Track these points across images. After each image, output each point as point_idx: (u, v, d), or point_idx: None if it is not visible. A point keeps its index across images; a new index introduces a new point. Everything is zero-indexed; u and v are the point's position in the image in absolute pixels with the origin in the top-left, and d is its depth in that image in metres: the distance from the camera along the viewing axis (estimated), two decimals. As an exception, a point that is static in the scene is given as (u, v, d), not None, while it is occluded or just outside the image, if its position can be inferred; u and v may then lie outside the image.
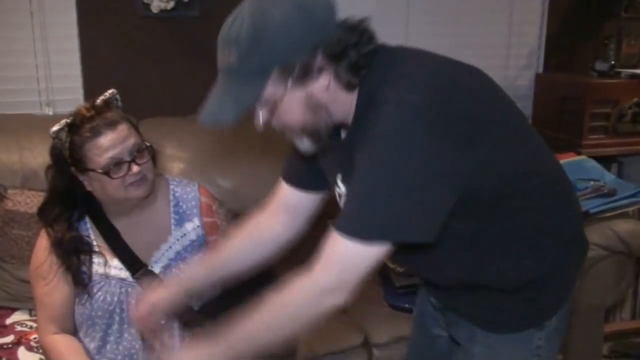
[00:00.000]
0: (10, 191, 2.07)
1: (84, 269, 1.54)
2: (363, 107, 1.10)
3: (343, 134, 1.19)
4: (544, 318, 1.26)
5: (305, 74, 1.06)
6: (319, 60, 1.06)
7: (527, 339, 1.26)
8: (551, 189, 1.21)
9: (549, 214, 1.20)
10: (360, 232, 1.04)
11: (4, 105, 2.42)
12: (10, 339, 1.84)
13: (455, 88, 1.08)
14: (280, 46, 1.03)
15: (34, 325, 1.89)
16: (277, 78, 1.06)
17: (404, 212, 1.02)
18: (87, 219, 1.59)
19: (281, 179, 1.41)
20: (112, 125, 1.46)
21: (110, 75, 2.45)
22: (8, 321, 1.95)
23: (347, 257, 1.07)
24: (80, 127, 1.46)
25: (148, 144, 1.53)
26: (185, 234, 1.62)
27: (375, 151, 1.03)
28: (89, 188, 1.52)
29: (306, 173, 1.36)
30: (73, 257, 1.54)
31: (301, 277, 1.12)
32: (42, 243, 1.57)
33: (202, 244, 1.65)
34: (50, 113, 2.47)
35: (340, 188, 1.23)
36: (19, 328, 1.91)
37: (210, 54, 2.67)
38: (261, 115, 1.11)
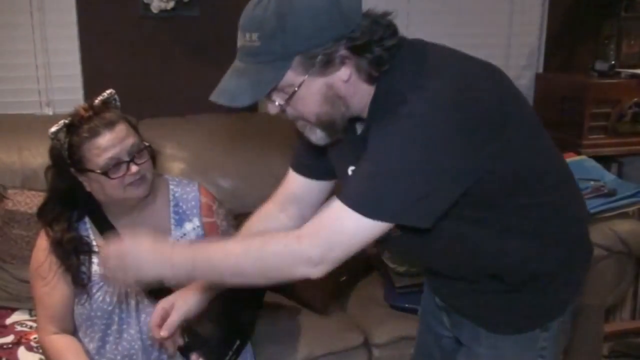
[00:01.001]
0: (10, 191, 2.07)
1: (84, 269, 1.54)
2: (381, 100, 1.09)
3: (358, 128, 1.19)
4: (549, 319, 1.26)
5: (327, 64, 1.04)
6: (342, 51, 1.04)
7: (532, 340, 1.26)
8: (559, 190, 1.22)
9: (555, 213, 1.20)
10: (367, 207, 1.03)
11: (4, 105, 2.42)
12: (10, 339, 1.84)
13: (476, 88, 1.08)
14: (305, 33, 1.02)
15: (34, 325, 1.89)
16: (298, 65, 1.04)
17: (412, 197, 1.02)
18: (87, 219, 1.59)
19: (290, 168, 1.40)
20: (110, 125, 1.46)
21: (110, 75, 2.45)
22: (8, 321, 1.95)
23: (342, 230, 1.06)
24: (78, 127, 1.46)
25: (147, 144, 1.53)
26: (185, 234, 1.62)
27: (396, 131, 1.02)
28: (88, 188, 1.52)
29: (314, 161, 1.35)
30: (73, 257, 1.54)
31: (288, 237, 1.10)
32: (42, 243, 1.57)
33: (202, 244, 1.64)
34: (50, 113, 2.47)
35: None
36: (19, 328, 1.91)
37: (211, 54, 2.68)
38: (277, 102, 1.10)
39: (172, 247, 1.20)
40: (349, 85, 1.08)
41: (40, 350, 1.72)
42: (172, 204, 1.64)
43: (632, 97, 2.63)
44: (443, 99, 1.02)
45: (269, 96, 1.09)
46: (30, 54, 2.42)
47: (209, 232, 1.65)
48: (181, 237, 1.62)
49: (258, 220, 1.43)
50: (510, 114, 1.11)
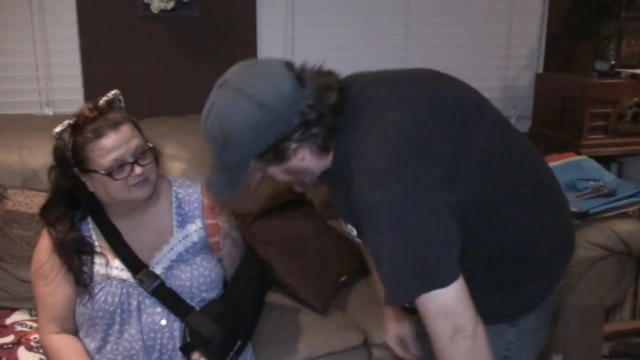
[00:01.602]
0: (10, 191, 2.07)
1: (86, 269, 1.54)
2: (341, 161, 1.19)
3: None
4: (518, 315, 1.29)
5: (280, 158, 1.18)
6: (290, 144, 1.16)
7: (499, 333, 1.27)
8: (527, 215, 1.23)
9: (525, 236, 1.24)
10: (428, 282, 1.09)
11: (4, 105, 2.42)
12: (10, 339, 1.84)
13: (423, 139, 1.13)
14: (248, 143, 1.14)
15: (34, 325, 1.89)
16: (255, 165, 1.19)
17: (433, 256, 1.09)
18: (89, 220, 1.59)
19: None
20: (115, 126, 1.46)
21: (110, 75, 2.46)
22: (8, 321, 1.95)
23: (437, 309, 1.11)
24: (83, 128, 1.46)
25: (151, 145, 1.53)
26: (187, 236, 1.62)
27: (372, 225, 1.11)
28: (91, 189, 1.51)
29: None
30: (75, 257, 1.53)
31: (438, 345, 1.15)
32: (44, 243, 1.57)
33: (204, 245, 1.64)
34: (50, 113, 2.47)
35: (347, 226, 1.30)
36: (19, 328, 1.91)
37: (210, 54, 2.68)
38: (255, 181, 1.26)
39: None
40: (307, 162, 1.20)
41: (41, 350, 1.72)
42: (174, 205, 1.64)
43: (632, 97, 2.63)
44: (394, 170, 1.09)
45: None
46: (30, 54, 2.43)
47: (211, 233, 1.65)
48: (183, 238, 1.62)
49: None
50: (465, 154, 1.15)
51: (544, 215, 1.26)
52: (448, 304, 1.10)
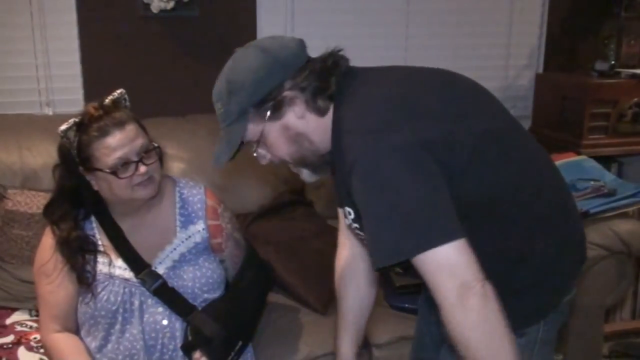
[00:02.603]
0: (10, 191, 2.07)
1: (89, 268, 1.54)
2: (337, 131, 1.19)
3: None
4: (525, 325, 1.24)
5: (277, 108, 1.19)
6: (288, 92, 1.19)
7: None
8: (538, 203, 1.20)
9: (533, 231, 1.20)
10: (420, 239, 1.04)
11: (4, 105, 2.42)
12: (10, 339, 1.84)
13: (423, 104, 1.14)
14: (249, 87, 1.18)
15: (34, 325, 1.89)
16: (254, 117, 1.20)
17: (434, 212, 1.05)
18: (93, 219, 1.59)
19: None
20: (120, 125, 1.46)
21: (110, 75, 2.46)
22: (8, 321, 1.94)
23: (439, 268, 1.04)
24: (88, 126, 1.46)
25: (156, 145, 1.53)
26: (190, 236, 1.62)
27: (363, 180, 1.08)
28: (95, 187, 1.51)
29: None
30: (78, 256, 1.53)
31: (446, 311, 1.07)
32: (47, 241, 1.57)
33: (207, 246, 1.64)
34: (50, 113, 2.47)
35: (345, 209, 1.28)
36: (19, 328, 1.91)
37: (210, 54, 2.68)
38: (258, 152, 1.26)
39: None
40: (305, 122, 1.21)
41: (41, 350, 1.73)
42: (178, 205, 1.64)
43: (632, 97, 2.63)
44: (388, 132, 1.08)
45: (253, 150, 1.26)
46: (30, 54, 2.43)
47: (214, 234, 1.65)
48: (186, 238, 1.62)
49: (341, 277, 1.54)
50: (456, 134, 1.13)
51: (551, 213, 1.23)
52: (450, 260, 1.03)
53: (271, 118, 1.20)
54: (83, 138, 1.46)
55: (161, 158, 1.56)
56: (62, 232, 1.54)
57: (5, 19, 2.39)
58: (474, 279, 1.03)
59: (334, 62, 1.22)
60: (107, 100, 1.50)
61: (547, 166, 1.28)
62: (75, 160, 1.48)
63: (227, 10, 2.57)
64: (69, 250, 1.53)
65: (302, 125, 1.21)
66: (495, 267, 1.16)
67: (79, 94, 2.48)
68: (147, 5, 2.45)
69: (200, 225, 1.63)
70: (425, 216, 1.04)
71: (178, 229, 1.62)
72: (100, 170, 1.46)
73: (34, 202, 2.02)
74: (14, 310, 2.00)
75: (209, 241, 1.64)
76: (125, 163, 1.45)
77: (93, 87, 2.45)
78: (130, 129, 1.47)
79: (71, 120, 1.47)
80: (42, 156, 2.11)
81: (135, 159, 1.46)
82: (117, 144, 1.44)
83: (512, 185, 1.18)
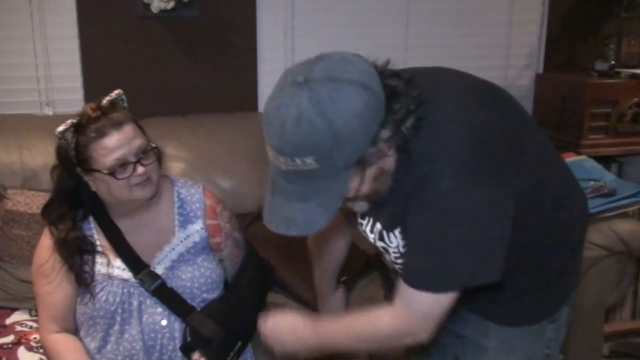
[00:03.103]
0: (10, 191, 2.08)
1: (87, 268, 1.54)
2: (402, 161, 1.08)
3: None
4: (556, 309, 1.28)
5: (382, 155, 1.04)
6: (386, 132, 1.02)
7: (541, 331, 1.28)
8: (562, 194, 1.24)
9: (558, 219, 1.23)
10: (432, 285, 1.09)
11: (4, 105, 2.42)
12: (10, 339, 1.84)
13: (485, 133, 1.08)
14: (360, 137, 0.98)
15: (34, 325, 1.89)
16: (355, 170, 1.02)
17: (468, 259, 1.07)
18: (91, 219, 1.59)
19: None
20: (117, 125, 1.46)
21: (110, 75, 2.46)
22: (8, 321, 1.95)
23: (423, 307, 1.13)
24: (85, 127, 1.46)
25: (154, 145, 1.53)
26: (188, 236, 1.62)
27: (432, 210, 1.06)
28: (93, 188, 1.51)
29: None
30: (76, 256, 1.53)
31: (386, 314, 1.18)
32: (46, 242, 1.57)
33: (205, 246, 1.64)
34: (50, 113, 2.47)
35: (366, 222, 1.26)
36: (18, 328, 1.91)
37: (210, 54, 2.68)
38: (360, 205, 1.16)
39: (304, 328, 1.29)
40: (392, 159, 1.08)
41: (41, 350, 1.72)
42: (176, 205, 1.64)
43: (632, 97, 2.63)
44: (460, 160, 1.04)
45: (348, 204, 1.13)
46: (30, 54, 2.43)
47: (213, 234, 1.65)
48: (185, 238, 1.62)
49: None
50: (519, 149, 1.14)
51: (573, 207, 1.28)
52: (436, 309, 1.12)
53: (372, 163, 1.03)
54: (81, 139, 1.46)
55: (159, 158, 1.56)
56: (61, 233, 1.54)
57: (5, 18, 2.39)
58: (426, 337, 1.14)
59: (407, 82, 1.06)
60: (105, 101, 1.50)
61: (556, 156, 1.32)
62: (73, 162, 1.49)
63: (227, 10, 2.57)
64: (67, 251, 1.53)
65: (390, 163, 1.08)
66: (532, 259, 1.21)
67: (79, 94, 2.48)
68: (147, 5, 2.45)
69: (198, 225, 1.63)
70: (492, 252, 1.07)
71: (176, 228, 1.62)
72: (98, 171, 1.46)
73: (34, 202, 2.02)
74: (13, 310, 2.00)
75: (207, 241, 1.64)
76: (123, 164, 1.45)
77: (93, 87, 2.45)
78: (128, 129, 1.47)
79: (69, 122, 1.47)
80: (42, 156, 2.11)
81: (133, 159, 1.46)
82: (114, 144, 1.44)
83: (550, 191, 1.22)
